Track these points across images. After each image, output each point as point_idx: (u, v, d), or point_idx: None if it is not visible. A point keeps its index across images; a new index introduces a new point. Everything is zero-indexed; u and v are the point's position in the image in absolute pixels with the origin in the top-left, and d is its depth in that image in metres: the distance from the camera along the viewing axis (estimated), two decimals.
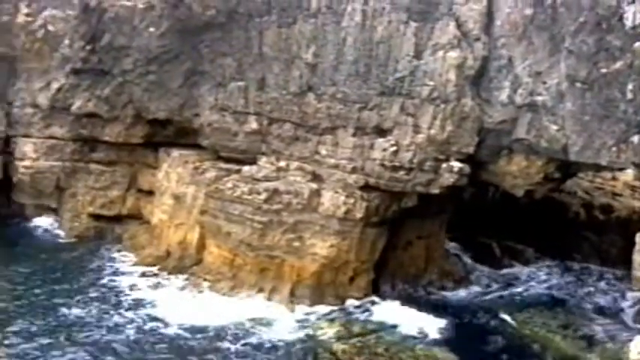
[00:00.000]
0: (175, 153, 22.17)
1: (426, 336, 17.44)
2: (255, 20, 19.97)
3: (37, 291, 19.15)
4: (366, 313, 18.36)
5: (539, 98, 16.48)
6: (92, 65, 22.88)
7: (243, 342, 16.77)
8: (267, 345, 16.72)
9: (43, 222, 25.10)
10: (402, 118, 18.19)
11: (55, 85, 23.79)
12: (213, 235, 19.99)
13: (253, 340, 16.92)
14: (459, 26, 17.37)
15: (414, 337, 17.31)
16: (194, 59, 21.28)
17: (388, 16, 18.16)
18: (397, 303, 18.69)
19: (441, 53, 17.51)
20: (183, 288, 19.70)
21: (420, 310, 18.32)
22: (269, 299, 18.69)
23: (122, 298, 19.07)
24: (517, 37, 16.76)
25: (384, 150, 18.24)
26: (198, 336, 17.00)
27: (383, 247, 18.82)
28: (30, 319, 17.43)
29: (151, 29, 21.64)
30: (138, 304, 18.71)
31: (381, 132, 18.47)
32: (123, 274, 20.85)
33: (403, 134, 18.14)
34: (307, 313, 18.14)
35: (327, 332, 17.30)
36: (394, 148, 18.13)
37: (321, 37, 19.02)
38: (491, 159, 17.81)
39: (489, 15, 17.16)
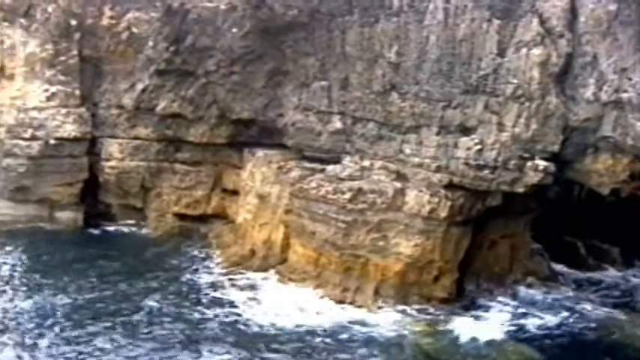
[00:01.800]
0: (260, 153, 26.62)
1: (514, 335, 20.83)
2: (337, 20, 23.93)
3: (120, 288, 23.63)
4: (452, 311, 21.97)
5: (625, 95, 19.43)
6: (176, 66, 27.72)
7: (328, 340, 20.36)
8: (354, 343, 20.25)
9: (128, 221, 30.48)
10: (486, 117, 21.58)
11: (139, 87, 28.86)
12: (297, 234, 24.25)
13: (339, 337, 20.51)
14: (542, 23, 20.53)
15: (502, 336, 20.75)
16: (277, 59, 25.61)
17: (471, 13, 21.56)
18: (483, 301, 22.22)
19: (524, 51, 20.74)
20: (267, 287, 24.00)
21: (504, 309, 21.75)
22: (354, 298, 22.69)
23: (204, 296, 23.23)
24: (601, 34, 19.77)
25: (469, 148, 21.70)
26: (283, 333, 20.72)
27: (467, 247, 22.38)
28: (112, 315, 21.52)
29: (234, 30, 26.14)
30: (220, 301, 22.78)
31: (465, 130, 21.91)
32: (206, 272, 25.30)
33: (487, 133, 21.54)
34: (392, 312, 21.93)
35: (414, 329, 20.98)
36: (478, 146, 21.53)
37: (404, 36, 22.66)
38: (576, 157, 20.89)
39: (573, 11, 20.23)
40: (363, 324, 21.43)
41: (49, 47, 30.25)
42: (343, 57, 24.03)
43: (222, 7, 26.47)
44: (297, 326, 21.33)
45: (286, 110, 25.78)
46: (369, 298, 22.45)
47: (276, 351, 19.90)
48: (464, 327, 21.11)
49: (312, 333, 20.92)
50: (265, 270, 24.81)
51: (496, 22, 21.19)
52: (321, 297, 22.95)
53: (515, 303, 22.50)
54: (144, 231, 29.90)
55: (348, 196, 23.16)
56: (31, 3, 30.56)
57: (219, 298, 23.17)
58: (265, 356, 19.60)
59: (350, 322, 21.54)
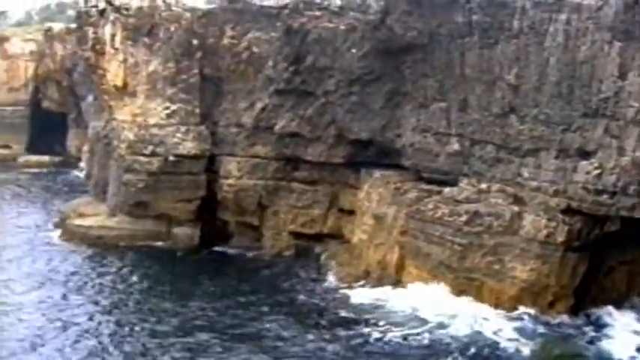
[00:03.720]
0: (377, 173, 31.09)
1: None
2: (456, 41, 28.04)
3: (238, 310, 27.39)
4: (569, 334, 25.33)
5: None
6: (295, 86, 32.75)
7: (452, 357, 23.52)
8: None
9: (244, 239, 35.75)
10: (606, 140, 24.86)
11: (259, 105, 34.12)
12: (412, 255, 28.46)
13: (461, 356, 23.66)
14: None
15: None
16: (396, 80, 30.06)
17: (592, 35, 24.99)
18: (598, 328, 25.51)
19: None
20: (385, 306, 28.02)
21: (622, 335, 24.92)
22: None
23: (322, 317, 26.82)
24: None
25: (587, 173, 25.08)
26: (410, 351, 23.91)
27: (584, 272, 25.76)
28: (226, 335, 24.47)
29: (353, 50, 30.84)
30: (340, 322, 26.27)
31: (584, 154, 25.27)
32: (322, 293, 29.54)
33: (607, 157, 24.84)
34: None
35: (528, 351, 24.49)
36: (598, 170, 24.83)
37: (524, 58, 26.42)
38: None
39: None
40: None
41: (171, 66, 36.24)
42: (462, 78, 28.04)
43: (342, 27, 31.22)
44: (425, 342, 24.57)
45: (404, 131, 30.13)
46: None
47: None
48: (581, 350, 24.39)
49: (443, 349, 24.13)
50: None
51: (617, 44, 24.34)
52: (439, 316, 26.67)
53: (632, 329, 25.56)
54: (259, 250, 35.06)
55: (464, 218, 27.12)
56: (155, 22, 36.74)
57: (338, 318, 26.67)
58: None
59: (468, 342, 24.56)
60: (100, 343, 24.30)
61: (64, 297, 28.80)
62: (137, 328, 25.45)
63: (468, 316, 25.89)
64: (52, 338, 24.58)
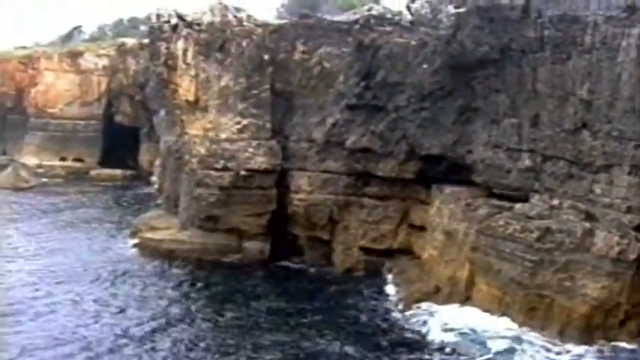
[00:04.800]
0: (448, 189, 32.39)
1: None
2: (528, 56, 29.20)
3: (297, 324, 28.87)
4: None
5: None
6: (366, 101, 34.37)
7: None
8: None
9: (314, 254, 37.44)
10: None
11: (330, 121, 35.85)
12: (483, 272, 29.61)
13: None
14: None
15: None
16: (467, 96, 31.37)
17: None
18: None
19: None
20: (450, 326, 29.16)
21: None
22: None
23: (383, 337, 27.75)
24: None
25: None
26: None
27: None
28: (287, 353, 25.65)
29: (425, 66, 32.31)
30: (401, 344, 27.16)
31: None
32: (386, 311, 30.61)
33: None
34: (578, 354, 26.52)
35: None
36: None
37: (596, 73, 27.37)
38: None
39: None
40: None
41: (243, 81, 38.35)
42: (534, 94, 29.17)
43: (413, 42, 32.76)
44: None
45: (475, 147, 31.37)
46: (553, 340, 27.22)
47: None
48: None
49: None
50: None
51: None
52: (504, 336, 27.75)
53: None
54: (329, 265, 36.78)
55: (535, 235, 28.15)
56: (226, 38, 38.97)
57: (402, 339, 27.66)
58: None
59: None
60: (170, 353, 26.29)
61: (136, 308, 30.88)
62: (201, 344, 26.99)
63: (534, 346, 26.73)
64: (125, 346, 26.61)
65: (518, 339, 27.09)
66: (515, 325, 27.89)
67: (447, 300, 30.58)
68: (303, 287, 34.09)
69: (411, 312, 30.26)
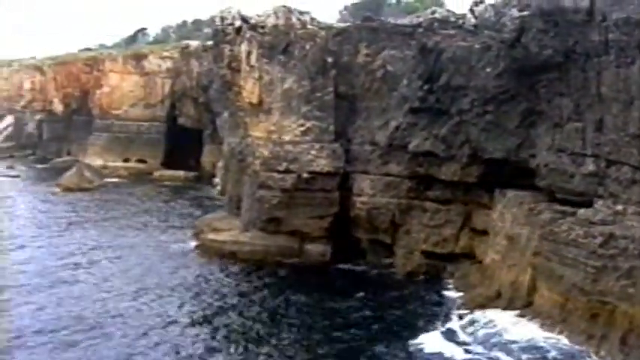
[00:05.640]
0: (510, 193, 33.13)
1: None
2: (592, 60, 29.71)
3: (354, 327, 29.92)
4: None
5: None
6: (430, 105, 35.32)
7: None
8: None
9: (376, 257, 38.57)
10: None
11: (393, 124, 36.91)
12: (545, 277, 30.26)
13: None
14: None
15: None
16: (531, 99, 32.05)
17: None
18: None
19: None
20: (512, 332, 29.70)
21: None
22: (598, 347, 28.09)
23: (440, 346, 28.38)
24: None
25: None
26: None
27: None
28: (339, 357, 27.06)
29: (488, 69, 33.11)
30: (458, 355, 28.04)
31: None
32: (444, 315, 31.34)
33: None
34: None
35: None
36: None
37: None
38: None
39: None
40: None
41: (306, 83, 39.67)
42: (598, 98, 29.68)
43: (477, 46, 33.59)
44: None
45: (539, 151, 32.04)
46: (615, 347, 27.70)
47: None
48: None
49: None
50: (510, 312, 30.98)
51: None
52: (564, 343, 28.27)
53: None
54: (391, 268, 37.80)
55: (599, 240, 28.66)
56: (290, 40, 40.36)
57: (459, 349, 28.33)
58: None
59: None
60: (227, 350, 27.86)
61: (196, 309, 32.39)
62: (263, 349, 28.13)
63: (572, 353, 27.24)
64: (185, 346, 28.10)
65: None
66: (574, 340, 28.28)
67: (508, 305, 31.24)
68: (364, 290, 35.06)
69: (470, 318, 31.01)
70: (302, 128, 39.73)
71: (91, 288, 34.64)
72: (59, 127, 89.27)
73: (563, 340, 28.09)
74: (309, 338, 29.06)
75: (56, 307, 31.61)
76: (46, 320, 30.04)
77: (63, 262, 39.36)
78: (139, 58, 78.06)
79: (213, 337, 28.98)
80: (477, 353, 27.86)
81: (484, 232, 34.71)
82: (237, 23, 44.64)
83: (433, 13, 37.09)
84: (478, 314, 31.00)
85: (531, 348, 27.79)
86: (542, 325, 29.35)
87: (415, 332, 29.67)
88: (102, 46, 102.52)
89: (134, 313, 31.42)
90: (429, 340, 28.83)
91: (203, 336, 29.08)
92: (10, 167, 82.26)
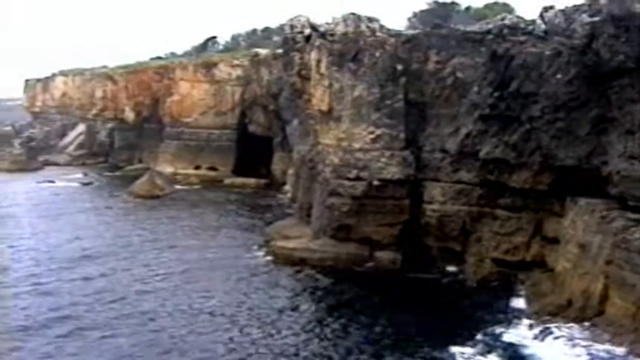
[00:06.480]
0: (582, 201, 33.65)
1: None
2: None
3: (421, 336, 30.55)
4: None
5: None
6: (500, 112, 36.06)
7: None
8: None
9: (446, 265, 39.42)
10: None
11: (463, 131, 37.76)
12: (617, 286, 30.69)
13: None
14: None
15: None
16: (602, 106, 32.56)
17: None
18: None
19: None
20: (575, 341, 29.84)
21: None
22: None
23: (513, 350, 29.36)
24: None
25: None
26: None
27: None
28: None
29: (559, 76, 33.75)
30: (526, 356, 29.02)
31: None
32: (519, 323, 31.81)
33: None
34: None
35: None
36: None
37: None
38: None
39: None
40: None
41: (376, 91, 40.83)
42: None
43: (548, 52, 34.28)
44: None
45: (611, 158, 32.52)
46: None
47: None
48: None
49: None
50: (581, 321, 31.52)
51: None
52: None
53: None
54: (461, 277, 38.65)
55: None
56: (359, 48, 41.58)
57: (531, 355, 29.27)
58: None
59: None
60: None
61: (267, 314, 33.60)
62: (328, 353, 29.38)
63: None
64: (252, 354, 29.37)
65: None
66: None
67: (580, 314, 31.74)
68: (433, 299, 36.12)
69: (540, 327, 31.35)
70: (372, 136, 40.79)
71: (164, 295, 36.31)
72: (130, 135, 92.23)
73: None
74: (378, 344, 30.05)
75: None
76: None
77: (143, 270, 41.17)
78: (210, 66, 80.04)
79: (284, 339, 30.35)
80: None
81: (555, 240, 35.26)
82: (307, 31, 46.10)
83: (503, 19, 37.83)
84: (549, 324, 31.39)
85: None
86: (613, 335, 29.79)
87: (484, 340, 30.43)
88: (172, 54, 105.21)
89: (207, 319, 32.94)
90: (497, 349, 29.57)
91: (273, 339, 30.40)
92: (84, 175, 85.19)
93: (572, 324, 31.04)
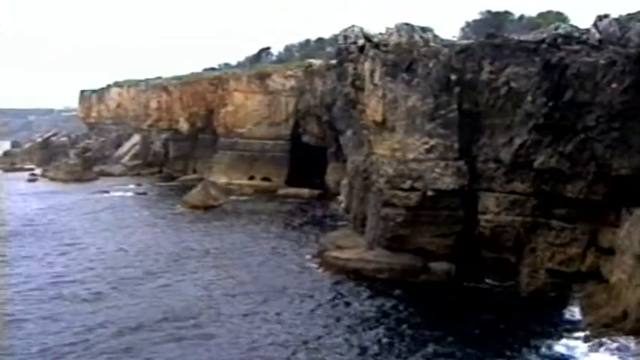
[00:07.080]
0: (638, 211, 33.93)
1: None
2: None
3: (472, 347, 30.91)
4: None
5: None
6: (554, 121, 36.51)
7: None
8: None
9: (501, 276, 39.89)
10: None
11: (517, 141, 38.24)
12: None
13: None
14: None
15: None
16: None
17: None
18: None
19: None
20: (629, 353, 30.19)
21: None
22: None
23: None
24: None
25: None
26: None
27: None
28: None
29: (614, 85, 34.15)
30: None
31: None
32: (574, 336, 32.09)
33: None
34: None
35: None
36: None
37: None
38: None
39: None
40: None
41: (430, 101, 41.44)
42: None
43: (602, 61, 34.70)
44: None
45: None
46: None
47: None
48: None
49: None
50: (636, 334, 31.78)
51: None
52: None
53: None
54: (515, 287, 39.02)
55: None
56: (413, 58, 42.29)
57: None
58: None
59: None
60: None
61: (322, 325, 34.52)
62: None
63: None
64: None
65: None
66: None
67: (635, 326, 31.97)
68: (488, 309, 36.46)
69: (596, 341, 31.66)
70: (426, 146, 41.33)
71: (218, 296, 37.66)
72: (185, 145, 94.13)
73: None
74: (430, 355, 30.66)
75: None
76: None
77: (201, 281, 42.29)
78: (263, 77, 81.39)
79: (338, 349, 31.13)
80: None
81: (611, 251, 35.50)
82: (361, 42, 47.02)
83: (557, 28, 38.25)
84: (603, 336, 31.72)
85: None
86: None
87: (537, 351, 30.95)
88: (226, 65, 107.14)
89: (262, 327, 34.01)
90: None
91: (327, 350, 31.22)
92: (138, 185, 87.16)
93: (627, 336, 31.33)
